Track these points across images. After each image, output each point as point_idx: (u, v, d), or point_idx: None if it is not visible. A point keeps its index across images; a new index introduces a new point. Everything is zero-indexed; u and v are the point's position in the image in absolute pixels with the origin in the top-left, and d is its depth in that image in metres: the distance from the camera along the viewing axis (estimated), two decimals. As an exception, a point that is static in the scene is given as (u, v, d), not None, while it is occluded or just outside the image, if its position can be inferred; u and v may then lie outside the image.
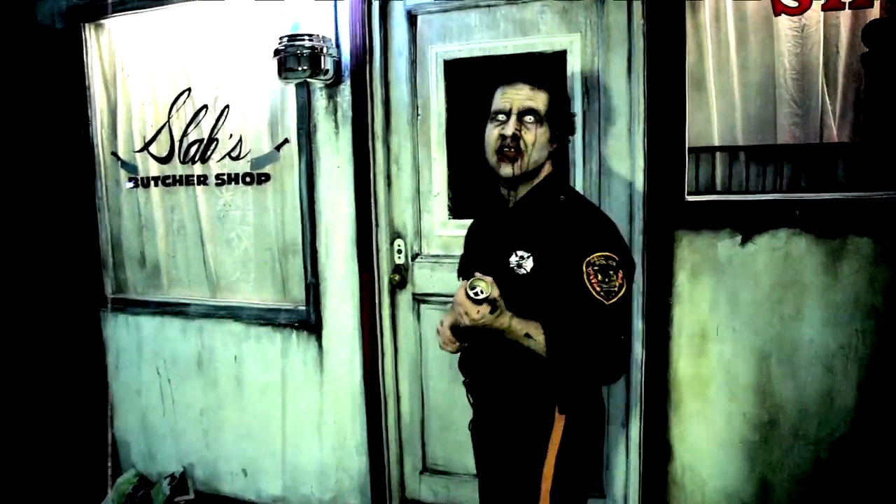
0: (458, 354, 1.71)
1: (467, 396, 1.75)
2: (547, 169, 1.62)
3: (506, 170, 1.55)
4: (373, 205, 2.51)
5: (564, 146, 1.75)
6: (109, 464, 3.14)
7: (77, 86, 2.94)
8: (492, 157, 1.58)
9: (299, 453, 2.78)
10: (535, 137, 1.53)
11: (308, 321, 2.65)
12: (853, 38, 2.00)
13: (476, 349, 1.64)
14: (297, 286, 2.71)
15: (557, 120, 1.58)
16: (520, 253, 1.51)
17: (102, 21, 2.90)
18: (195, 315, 2.88)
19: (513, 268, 1.51)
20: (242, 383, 2.84)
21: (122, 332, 3.07)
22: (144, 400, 3.06)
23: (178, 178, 2.86)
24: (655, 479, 2.28)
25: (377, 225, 2.52)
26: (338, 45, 2.46)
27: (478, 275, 1.41)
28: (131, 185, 2.97)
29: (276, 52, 2.35)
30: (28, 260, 3.18)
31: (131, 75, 2.89)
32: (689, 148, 2.14)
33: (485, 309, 1.39)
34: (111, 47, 2.93)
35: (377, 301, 2.55)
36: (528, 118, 1.53)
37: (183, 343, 2.93)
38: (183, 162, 2.84)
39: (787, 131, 2.10)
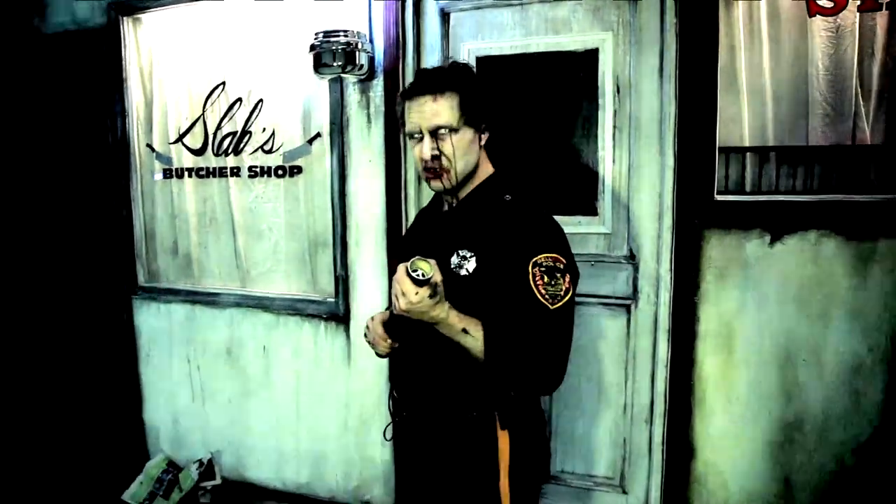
0: (389, 368, 1.63)
1: (391, 413, 1.66)
2: (486, 167, 1.57)
3: (436, 185, 1.50)
4: (403, 199, 2.54)
5: (502, 138, 1.65)
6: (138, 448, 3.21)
7: (115, 79, 3.00)
8: (422, 174, 1.52)
9: (325, 443, 2.83)
10: (453, 147, 1.45)
11: (336, 313, 2.70)
12: (890, 38, 2.00)
13: (409, 355, 1.54)
14: (327, 278, 2.75)
15: (478, 112, 1.50)
16: (462, 252, 1.44)
17: (140, 15, 2.96)
18: (225, 304, 2.94)
19: (454, 268, 1.43)
20: (270, 372, 2.89)
21: (153, 320, 3.13)
22: (174, 386, 3.12)
23: (211, 170, 2.92)
24: (678, 477, 2.29)
25: (407, 218, 2.55)
26: (371, 42, 2.50)
27: (420, 256, 1.31)
28: (160, 175, 3.04)
29: (312, 48, 2.39)
30: (65, 249, 3.28)
31: (167, 69, 2.96)
32: (719, 148, 2.15)
33: (424, 292, 1.28)
34: (148, 41, 2.99)
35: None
36: (441, 131, 1.46)
37: (213, 332, 2.99)
38: (216, 154, 2.89)
39: (819, 133, 2.10)
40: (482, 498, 1.48)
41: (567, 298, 1.36)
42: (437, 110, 1.45)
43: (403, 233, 2.50)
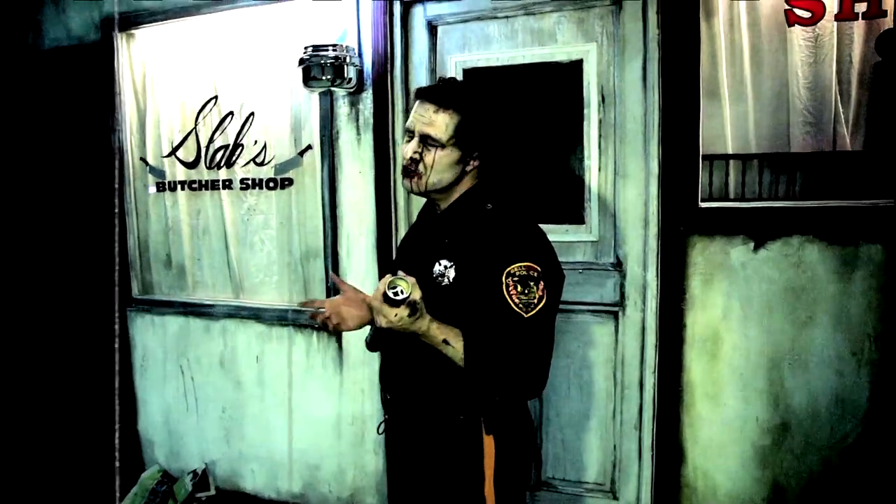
0: (379, 368, 1.64)
1: (384, 414, 1.68)
2: (467, 183, 1.57)
3: (405, 184, 1.54)
4: (393, 209, 2.57)
5: (496, 161, 1.64)
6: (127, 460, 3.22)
7: (109, 94, 3.04)
8: (400, 171, 1.58)
9: (318, 452, 2.85)
10: (433, 161, 1.48)
11: (328, 322, 2.71)
12: (866, 47, 2.03)
13: (398, 358, 1.57)
14: (319, 288, 2.77)
15: (470, 139, 1.51)
16: (443, 262, 1.47)
17: (133, 31, 3.01)
18: (219, 316, 2.96)
19: (436, 278, 1.46)
20: (264, 383, 2.91)
21: (147, 332, 3.16)
22: (168, 398, 3.14)
23: (203, 182, 2.95)
24: (668, 482, 2.31)
25: (397, 229, 2.58)
26: (360, 55, 2.54)
27: (400, 273, 1.32)
28: (154, 188, 3.07)
29: (301, 62, 2.43)
30: (60, 262, 3.30)
31: (160, 83, 3.00)
32: (702, 155, 2.18)
33: (403, 311, 1.30)
34: (141, 57, 3.04)
35: (396, 303, 2.60)
36: (430, 141, 1.48)
37: (206, 343, 3.01)
38: (209, 167, 2.93)
39: (801, 140, 2.13)
40: (468, 501, 1.49)
41: (541, 306, 1.38)
42: (433, 121, 1.48)
43: (398, 239, 2.53)
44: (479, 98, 1.56)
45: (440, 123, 1.47)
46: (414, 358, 1.49)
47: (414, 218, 2.55)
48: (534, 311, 1.37)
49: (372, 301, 1.35)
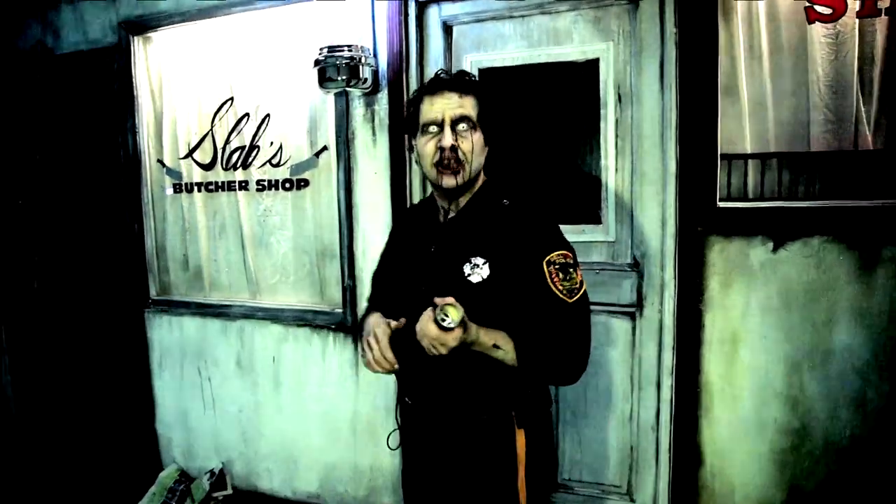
0: (397, 376, 1.62)
1: (398, 421, 1.68)
2: (482, 176, 1.59)
3: (448, 181, 1.49)
4: (408, 210, 2.57)
5: (498, 153, 1.66)
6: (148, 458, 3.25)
7: (126, 97, 3.06)
8: (431, 171, 1.51)
9: (335, 452, 2.86)
10: (472, 145, 1.48)
11: (345, 323, 2.72)
12: (889, 43, 2.00)
13: (423, 362, 1.47)
14: (335, 289, 2.78)
15: (488, 124, 1.54)
16: (474, 261, 1.46)
17: (150, 34, 3.03)
18: (236, 316, 2.98)
19: (467, 277, 1.46)
20: (280, 383, 2.93)
21: (165, 333, 3.18)
22: (186, 398, 3.17)
23: (220, 184, 2.97)
24: (685, 484, 2.29)
25: (412, 230, 2.58)
26: (375, 55, 2.54)
27: (439, 301, 1.32)
28: (171, 190, 3.09)
29: (317, 63, 2.43)
30: (80, 263, 3.33)
31: (177, 86, 3.02)
32: (721, 155, 2.16)
33: (458, 332, 1.31)
34: (158, 59, 3.05)
35: (411, 304, 2.60)
36: (462, 126, 1.48)
37: (224, 343, 3.03)
38: (225, 168, 2.94)
39: (821, 139, 2.11)
40: (501, 496, 1.51)
41: (582, 290, 1.44)
42: (463, 104, 1.48)
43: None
44: (485, 87, 1.58)
45: (469, 105, 1.49)
46: (442, 360, 1.46)
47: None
48: (577, 296, 1.43)
49: (422, 334, 1.34)
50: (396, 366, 1.43)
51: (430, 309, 1.33)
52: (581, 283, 1.44)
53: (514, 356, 1.40)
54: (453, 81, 1.52)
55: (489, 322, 1.41)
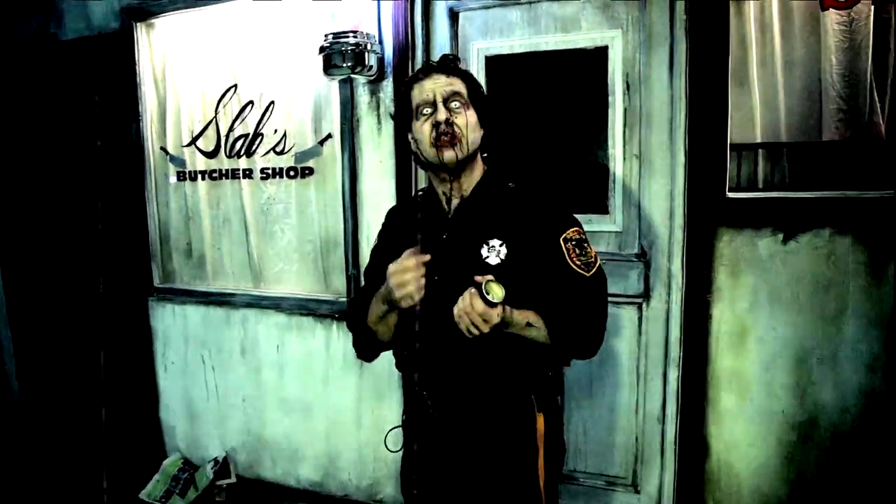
0: (405, 375, 1.64)
1: (404, 417, 1.70)
2: (481, 166, 1.58)
3: (448, 154, 1.47)
4: (413, 199, 2.55)
5: (494, 140, 1.63)
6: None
7: (129, 83, 3.04)
8: (430, 150, 1.49)
9: (338, 441, 2.85)
10: (466, 119, 1.48)
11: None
12: (905, 32, 1.97)
13: (441, 353, 1.50)
14: (339, 278, 2.76)
15: (481, 104, 1.54)
16: (491, 243, 1.48)
17: (153, 20, 3.00)
18: (239, 305, 2.97)
19: (485, 259, 1.47)
20: (284, 372, 2.92)
21: (168, 321, 3.17)
22: (190, 386, 3.16)
23: (223, 171, 2.95)
24: (691, 476, 2.28)
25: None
26: (381, 42, 2.50)
27: (479, 278, 1.34)
28: (174, 178, 3.07)
29: (322, 49, 2.41)
30: (82, 251, 3.32)
31: (180, 72, 2.99)
32: (730, 145, 2.13)
33: (500, 309, 1.34)
34: (161, 46, 3.02)
35: (416, 293, 2.59)
36: (454, 103, 1.49)
37: (227, 332, 3.02)
38: (229, 156, 2.92)
39: (833, 128, 2.08)
40: (522, 481, 1.53)
41: (598, 263, 1.49)
42: (452, 82, 1.50)
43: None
44: (471, 72, 1.61)
45: (458, 83, 1.52)
46: (461, 347, 1.46)
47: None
48: (594, 270, 1.48)
49: (467, 311, 1.34)
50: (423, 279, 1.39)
51: (470, 288, 1.35)
52: (595, 256, 1.49)
53: (545, 333, 1.43)
54: (439, 64, 1.55)
55: (510, 302, 1.41)
